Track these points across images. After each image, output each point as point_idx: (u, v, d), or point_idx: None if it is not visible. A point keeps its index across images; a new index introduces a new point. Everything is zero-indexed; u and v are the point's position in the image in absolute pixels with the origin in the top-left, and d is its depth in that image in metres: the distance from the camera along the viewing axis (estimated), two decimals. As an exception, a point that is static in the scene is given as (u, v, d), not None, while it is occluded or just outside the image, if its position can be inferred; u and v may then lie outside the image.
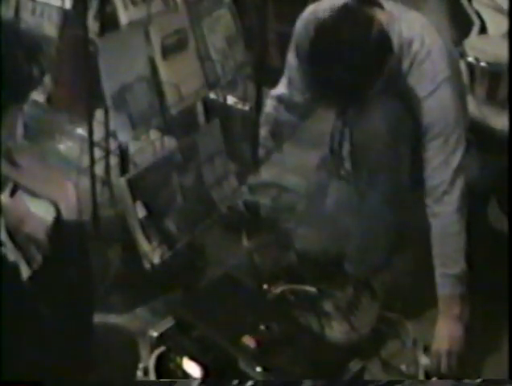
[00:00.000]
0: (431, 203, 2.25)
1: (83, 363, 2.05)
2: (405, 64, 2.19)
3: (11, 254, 1.92)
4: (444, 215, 2.24)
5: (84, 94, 2.04)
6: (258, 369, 1.92)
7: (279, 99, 2.50)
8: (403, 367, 2.27)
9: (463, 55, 2.58)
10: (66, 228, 1.94)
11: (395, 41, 2.12)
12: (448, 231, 2.25)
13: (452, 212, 2.23)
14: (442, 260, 2.26)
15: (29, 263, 1.93)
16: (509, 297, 2.32)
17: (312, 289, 2.38)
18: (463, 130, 2.23)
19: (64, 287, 1.97)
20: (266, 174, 2.52)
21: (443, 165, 2.21)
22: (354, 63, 2.04)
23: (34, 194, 1.96)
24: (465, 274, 2.25)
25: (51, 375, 1.92)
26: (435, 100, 2.19)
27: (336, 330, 2.31)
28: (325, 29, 2.10)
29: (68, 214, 1.96)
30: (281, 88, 2.49)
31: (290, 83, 2.46)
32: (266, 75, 2.45)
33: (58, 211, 1.91)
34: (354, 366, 2.00)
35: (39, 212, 1.95)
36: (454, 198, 2.22)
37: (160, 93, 2.13)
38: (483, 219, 2.52)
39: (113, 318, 2.34)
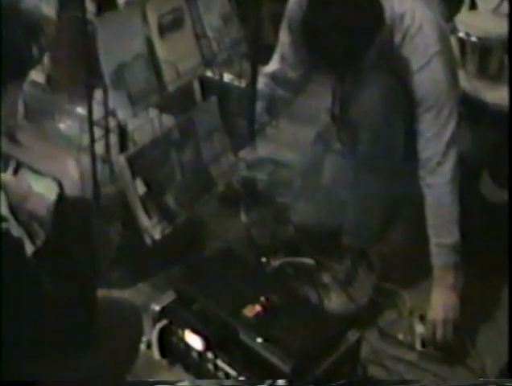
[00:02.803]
0: (424, 174, 2.28)
1: (85, 337, 2.09)
2: (397, 39, 2.22)
3: (15, 231, 1.95)
4: (438, 185, 2.27)
5: (82, 73, 2.05)
6: (259, 340, 1.96)
7: (272, 76, 2.52)
8: (400, 336, 2.31)
9: (454, 30, 2.60)
10: (69, 205, 1.96)
11: (387, 15, 2.16)
12: (442, 201, 2.28)
13: (446, 183, 2.27)
14: (436, 230, 2.30)
15: (32, 239, 1.96)
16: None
17: (310, 262, 2.40)
18: (455, 103, 2.27)
19: (67, 262, 2.00)
20: (262, 150, 2.54)
21: (436, 137, 2.25)
22: (347, 33, 2.07)
23: (36, 171, 1.99)
24: (459, 244, 2.29)
25: (53, 349, 1.96)
26: (427, 74, 2.22)
27: (334, 301, 2.34)
28: (318, 2, 2.13)
29: (71, 191, 1.98)
30: (273, 65, 2.52)
31: (282, 59, 2.48)
32: (262, 52, 2.46)
33: (61, 187, 1.94)
34: (352, 335, 2.05)
35: (42, 190, 1.98)
36: (447, 169, 2.26)
37: (158, 71, 2.14)
38: (476, 191, 2.55)
39: (116, 293, 2.37)
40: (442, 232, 2.29)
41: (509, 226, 2.40)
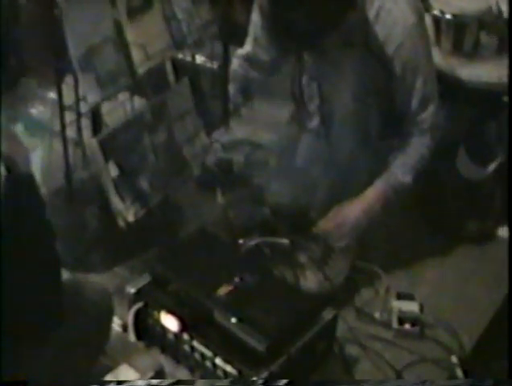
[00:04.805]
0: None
1: (53, 319, 2.07)
2: (371, 15, 2.21)
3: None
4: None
5: (51, 58, 2.05)
6: (233, 320, 1.97)
7: (246, 57, 2.53)
8: (377, 315, 2.31)
9: (428, 8, 2.60)
10: (18, 183, 1.91)
11: None
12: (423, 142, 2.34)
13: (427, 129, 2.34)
14: (398, 166, 2.36)
15: None
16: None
17: (286, 242, 2.39)
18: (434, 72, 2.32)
19: (26, 244, 1.96)
20: (238, 131, 2.54)
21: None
22: (315, 14, 2.05)
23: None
24: (405, 189, 2.36)
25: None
26: (407, 46, 2.22)
27: (310, 280, 2.32)
28: None
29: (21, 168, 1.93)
30: (246, 48, 2.52)
31: (255, 42, 2.48)
32: (233, 33, 2.46)
33: (8, 167, 1.89)
34: (327, 314, 2.05)
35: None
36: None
37: (127, 54, 2.13)
38: (451, 167, 2.56)
39: (93, 278, 2.36)
40: (403, 168, 2.34)
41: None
